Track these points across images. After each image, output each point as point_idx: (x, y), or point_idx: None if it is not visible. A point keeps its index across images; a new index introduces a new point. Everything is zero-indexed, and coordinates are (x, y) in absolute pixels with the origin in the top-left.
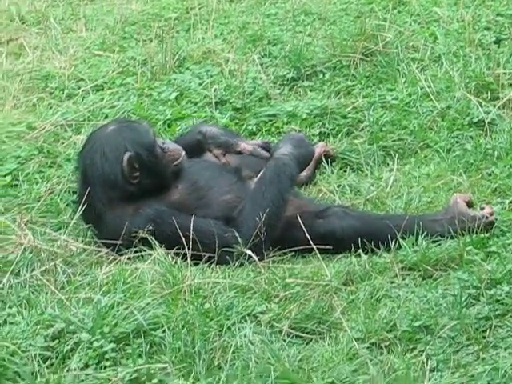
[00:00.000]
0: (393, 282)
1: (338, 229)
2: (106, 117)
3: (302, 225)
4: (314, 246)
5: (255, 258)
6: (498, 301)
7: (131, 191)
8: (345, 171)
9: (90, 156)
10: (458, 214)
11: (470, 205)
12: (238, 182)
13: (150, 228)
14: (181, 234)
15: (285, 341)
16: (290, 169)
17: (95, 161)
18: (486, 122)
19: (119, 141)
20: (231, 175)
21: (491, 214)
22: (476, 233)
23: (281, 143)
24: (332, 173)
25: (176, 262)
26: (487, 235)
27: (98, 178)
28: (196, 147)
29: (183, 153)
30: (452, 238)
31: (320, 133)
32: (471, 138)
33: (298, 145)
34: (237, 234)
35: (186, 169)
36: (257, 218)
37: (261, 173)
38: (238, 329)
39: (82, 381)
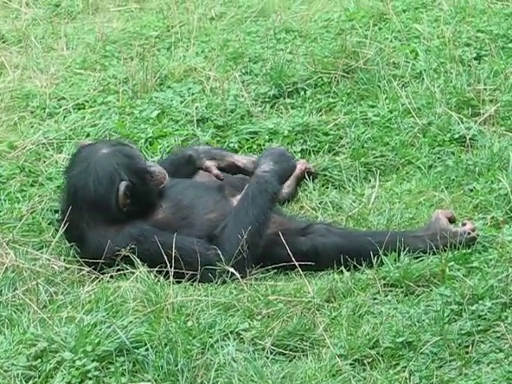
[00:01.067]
0: (375, 299)
1: (320, 246)
2: (88, 135)
3: (284, 242)
4: (297, 263)
5: (238, 275)
6: (480, 316)
7: (120, 216)
8: (327, 188)
9: (81, 177)
10: (439, 230)
11: (452, 221)
12: (221, 201)
13: (133, 246)
14: (163, 252)
15: (268, 358)
16: (271, 186)
17: (87, 184)
18: (467, 138)
19: (114, 167)
20: (215, 194)
21: (473, 230)
22: (458, 249)
23: (262, 159)
24: (314, 189)
25: (158, 280)
26: (469, 251)
27: (88, 201)
28: (187, 163)
29: (167, 176)
30: (434, 253)
31: (302, 150)
32: (453, 154)
33: (279, 160)
34: (219, 252)
35: (170, 187)
36: (239, 236)
37: (243, 191)
38: (221, 346)
39: None
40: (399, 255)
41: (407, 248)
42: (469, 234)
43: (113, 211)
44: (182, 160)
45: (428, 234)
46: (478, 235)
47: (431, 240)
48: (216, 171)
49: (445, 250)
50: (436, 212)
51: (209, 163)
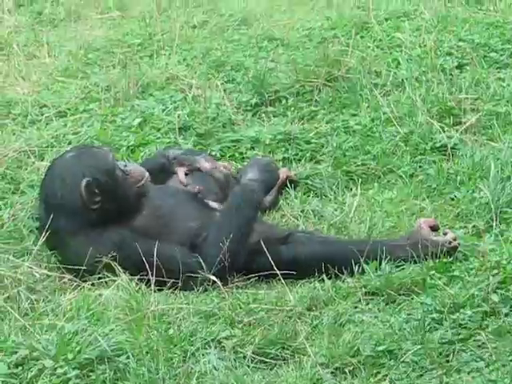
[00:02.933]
0: (356, 307)
1: (301, 254)
2: (70, 143)
3: (265, 250)
4: (278, 272)
5: (219, 283)
6: (461, 325)
7: (93, 217)
8: (308, 196)
9: (49, 183)
10: (421, 240)
11: (435, 229)
12: (202, 209)
13: (114, 254)
14: (145, 259)
15: (249, 366)
16: (256, 196)
17: (55, 188)
18: (449, 147)
19: (77, 167)
20: (195, 202)
21: (454, 239)
22: (439, 258)
23: (248, 168)
24: (295, 198)
25: (140, 288)
26: (450, 260)
27: (58, 204)
28: (161, 171)
29: (147, 174)
30: (415, 262)
31: (283, 158)
32: (434, 162)
33: (265, 169)
34: (201, 260)
35: (151, 195)
36: (221, 245)
37: (228, 199)
38: (202, 355)
39: None
40: (380, 264)
41: (388, 257)
42: (450, 243)
43: (82, 212)
44: (155, 167)
45: (409, 243)
46: (459, 244)
47: (413, 249)
48: (182, 177)
49: (426, 259)
50: (418, 221)
51: (177, 168)
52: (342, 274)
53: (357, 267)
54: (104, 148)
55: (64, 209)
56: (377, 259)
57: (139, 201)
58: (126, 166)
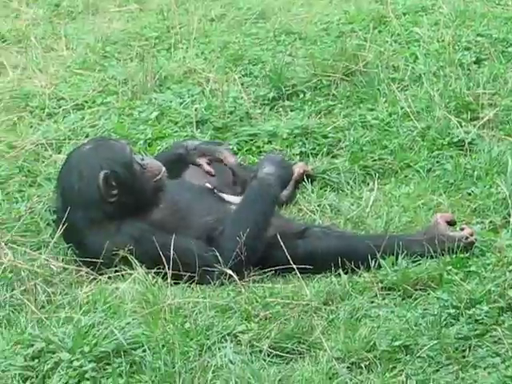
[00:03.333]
0: (373, 302)
1: (317, 249)
2: (87, 136)
3: (282, 245)
4: (294, 266)
5: (236, 277)
6: (477, 321)
7: (111, 210)
8: (325, 191)
9: (66, 176)
10: (438, 235)
11: (452, 223)
12: (218, 204)
13: (131, 247)
14: (161, 253)
15: (265, 360)
16: (273, 190)
17: (72, 180)
18: (466, 142)
19: (95, 159)
20: (212, 196)
21: (471, 235)
22: (456, 253)
23: (264, 163)
24: (312, 192)
25: (156, 282)
26: (467, 255)
27: (75, 197)
28: (177, 161)
29: (163, 169)
30: (432, 257)
31: (300, 152)
32: (451, 157)
33: (281, 165)
34: (217, 254)
35: (168, 189)
36: (238, 239)
37: (245, 193)
38: (218, 348)
39: None
40: (397, 259)
41: (405, 252)
42: (467, 238)
43: (100, 204)
44: (172, 157)
45: (426, 238)
46: (475, 240)
47: (429, 244)
48: (207, 168)
49: (442, 255)
50: (435, 216)
51: (199, 160)
52: (359, 268)
53: (373, 262)
54: (121, 141)
55: (81, 201)
56: (393, 254)
57: (156, 195)
58: (143, 159)
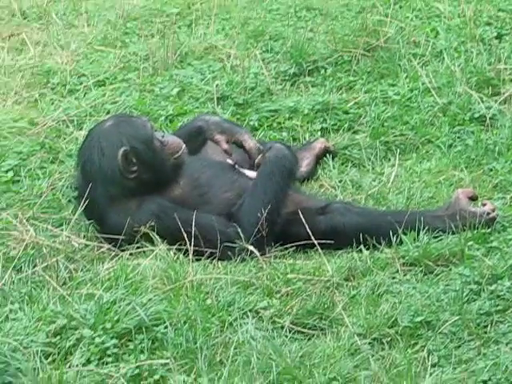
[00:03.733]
0: (394, 278)
1: (339, 225)
2: (108, 112)
3: (303, 220)
4: (316, 242)
5: (257, 253)
6: (499, 296)
7: (131, 186)
8: (346, 166)
9: (87, 152)
10: (459, 210)
11: (473, 199)
12: (238, 180)
13: (153, 224)
14: (183, 229)
15: (286, 337)
16: (289, 162)
17: (93, 157)
18: (488, 118)
19: (116, 136)
20: (231, 173)
21: (493, 210)
22: (477, 228)
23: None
24: (333, 168)
25: (178, 258)
26: (488, 231)
27: (96, 173)
28: (197, 134)
29: (183, 146)
30: (453, 233)
31: (322, 128)
32: (472, 133)
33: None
34: (239, 230)
35: (187, 165)
36: (258, 214)
37: (261, 165)
38: (240, 325)
39: (84, 377)
40: (418, 234)
41: (426, 227)
42: (488, 214)
43: (119, 180)
44: (192, 130)
45: (448, 213)
46: (497, 215)
47: (451, 220)
48: (225, 146)
49: (464, 230)
50: (456, 192)
51: (218, 137)
52: (380, 244)
53: (395, 238)
54: (142, 117)
55: (102, 178)
56: (415, 230)
57: (176, 171)
58: (163, 136)
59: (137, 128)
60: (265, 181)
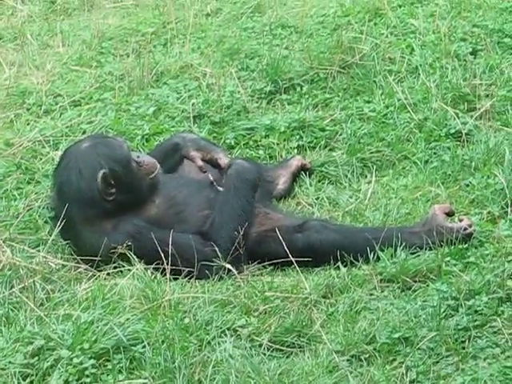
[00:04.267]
0: (372, 294)
1: (316, 242)
2: (84, 132)
3: (280, 238)
4: (293, 260)
5: (235, 271)
6: (476, 311)
7: (108, 207)
8: (323, 183)
9: (65, 173)
10: (436, 226)
11: (450, 214)
12: (215, 197)
13: (129, 244)
14: (160, 248)
15: (265, 354)
16: (251, 172)
17: (71, 178)
18: (463, 133)
19: (94, 157)
20: (208, 191)
21: (470, 226)
22: (454, 244)
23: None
24: (310, 185)
25: (155, 277)
26: (465, 246)
27: (74, 195)
28: (173, 151)
29: (158, 166)
30: (430, 249)
31: (298, 146)
32: (449, 149)
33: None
34: (216, 248)
35: (164, 184)
36: (230, 230)
37: (224, 182)
38: (218, 343)
39: None
40: (395, 251)
41: (404, 244)
42: (465, 229)
43: (98, 202)
44: (169, 147)
45: (424, 229)
46: (474, 231)
47: (428, 236)
48: (200, 163)
49: (441, 246)
50: (433, 207)
51: (194, 154)
52: (358, 261)
53: (372, 254)
54: (118, 138)
55: (80, 199)
56: (392, 246)
57: (152, 192)
58: (138, 156)
59: (114, 149)
60: (230, 196)
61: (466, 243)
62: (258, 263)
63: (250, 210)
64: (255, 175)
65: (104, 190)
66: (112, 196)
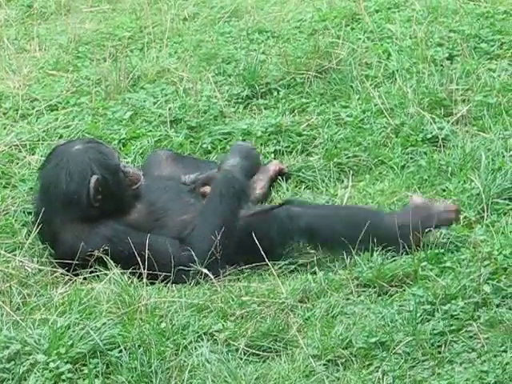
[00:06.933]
0: (348, 299)
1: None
2: (61, 137)
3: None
4: (269, 263)
5: (211, 276)
6: (452, 316)
7: (91, 213)
8: (300, 188)
9: (53, 173)
10: (416, 208)
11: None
12: (194, 203)
13: (106, 247)
14: (137, 253)
15: (241, 359)
16: (238, 182)
17: (60, 179)
18: (440, 138)
19: (86, 162)
20: (189, 196)
21: (454, 211)
22: (431, 248)
23: (230, 154)
24: (287, 190)
25: (132, 282)
26: (442, 251)
27: (60, 196)
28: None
29: (142, 177)
30: (407, 253)
31: (275, 150)
32: (425, 154)
33: (247, 155)
34: (193, 253)
35: (145, 189)
36: (209, 236)
37: (211, 187)
38: (195, 348)
39: None
40: (372, 255)
41: (389, 226)
42: (448, 212)
43: (84, 207)
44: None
45: (404, 215)
46: (460, 211)
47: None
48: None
49: (430, 231)
50: (411, 197)
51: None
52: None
53: (349, 259)
54: (109, 146)
55: (65, 201)
56: (376, 229)
57: (133, 201)
58: (125, 166)
59: (107, 157)
60: (215, 203)
61: (450, 225)
62: (235, 264)
63: (232, 219)
64: (243, 184)
65: (94, 195)
66: (98, 202)
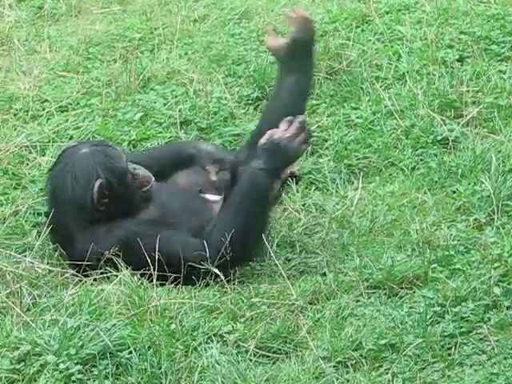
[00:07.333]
0: (358, 301)
1: None
2: (71, 138)
3: None
4: (279, 265)
5: (222, 277)
6: (462, 318)
7: (99, 216)
8: (310, 190)
9: (60, 176)
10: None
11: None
12: (204, 209)
13: (117, 249)
14: (147, 254)
15: (251, 360)
16: (263, 185)
17: (66, 182)
18: (450, 140)
19: (91, 165)
20: (201, 202)
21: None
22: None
23: (259, 149)
24: (297, 192)
25: (142, 283)
26: (452, 253)
27: (66, 199)
28: (187, 162)
29: (153, 179)
30: (417, 256)
31: None
32: (435, 155)
33: (277, 151)
34: (204, 254)
35: (157, 192)
36: (223, 239)
37: (235, 187)
38: (205, 349)
39: None
40: (382, 257)
41: None
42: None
43: (90, 210)
44: (183, 157)
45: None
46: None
47: None
48: (214, 178)
49: None
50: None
51: (210, 168)
52: None
53: (358, 261)
54: (118, 148)
55: (72, 205)
56: None
57: (143, 204)
58: (134, 169)
59: (113, 160)
60: (236, 204)
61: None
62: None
63: (254, 223)
64: (268, 188)
65: (98, 199)
66: (104, 206)
